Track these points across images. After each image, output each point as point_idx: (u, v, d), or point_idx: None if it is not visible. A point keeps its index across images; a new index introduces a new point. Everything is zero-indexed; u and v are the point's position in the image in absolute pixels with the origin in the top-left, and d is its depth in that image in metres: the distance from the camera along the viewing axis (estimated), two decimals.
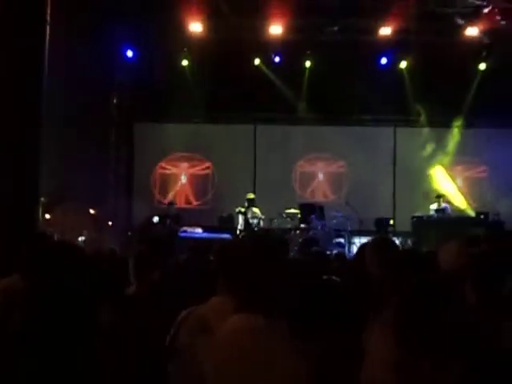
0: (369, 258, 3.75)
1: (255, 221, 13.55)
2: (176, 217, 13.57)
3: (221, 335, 2.43)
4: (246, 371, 2.35)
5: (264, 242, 3.70)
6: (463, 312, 1.58)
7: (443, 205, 13.86)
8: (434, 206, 13.81)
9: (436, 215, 13.60)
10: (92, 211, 13.62)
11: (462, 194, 15.52)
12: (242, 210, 13.67)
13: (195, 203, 16.10)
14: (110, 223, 14.31)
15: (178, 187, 16.22)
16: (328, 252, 11.20)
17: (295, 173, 16.11)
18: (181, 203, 15.70)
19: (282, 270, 3.49)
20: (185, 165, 16.30)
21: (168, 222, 13.29)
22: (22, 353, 2.27)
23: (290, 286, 2.91)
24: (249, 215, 13.60)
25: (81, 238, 12.70)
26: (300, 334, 2.37)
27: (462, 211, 14.92)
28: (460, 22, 14.26)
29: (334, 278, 3.39)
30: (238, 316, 2.52)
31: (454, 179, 15.68)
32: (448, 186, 15.43)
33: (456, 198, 15.24)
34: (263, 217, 13.69)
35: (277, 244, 4.12)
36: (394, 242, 4.47)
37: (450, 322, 1.52)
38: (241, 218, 13.70)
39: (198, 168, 16.23)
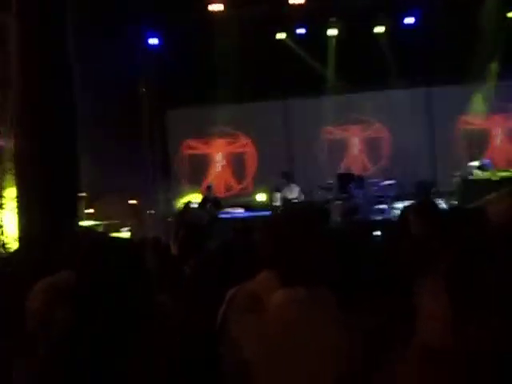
0: (413, 221, 3.68)
1: (294, 195, 13.48)
2: (215, 200, 13.61)
3: (265, 312, 2.41)
4: (288, 344, 2.34)
5: (302, 214, 3.65)
6: (509, 271, 1.52)
7: (484, 160, 13.55)
8: (475, 163, 13.50)
9: (478, 172, 13.29)
10: (132, 201, 13.76)
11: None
12: (279, 186, 13.63)
13: (237, 187, 16.07)
14: (151, 212, 14.44)
15: (215, 169, 16.24)
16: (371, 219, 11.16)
17: (330, 144, 15.94)
18: (220, 188, 15.68)
19: (322, 241, 3.46)
20: (221, 142, 16.31)
21: (208, 205, 13.34)
22: (73, 352, 2.28)
23: (330, 257, 2.88)
24: (286, 191, 13.53)
25: (124, 229, 12.86)
26: (342, 306, 2.35)
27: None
28: None
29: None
30: (279, 291, 2.50)
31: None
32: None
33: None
34: (299, 193, 13.58)
35: (316, 214, 4.08)
36: (435, 203, 4.37)
37: (494, 281, 1.48)
38: (279, 195, 13.62)
39: (235, 146, 16.21)
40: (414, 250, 3.36)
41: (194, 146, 16.28)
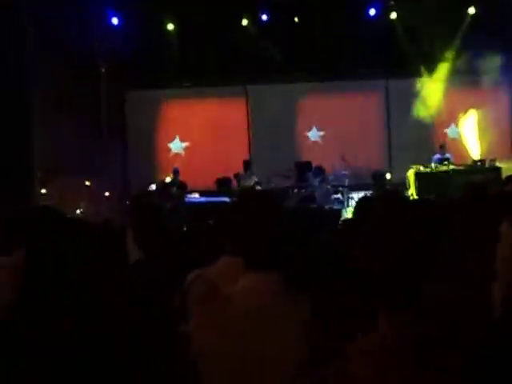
0: (378, 211, 3.69)
1: (251, 182, 13.53)
2: (181, 184, 13.60)
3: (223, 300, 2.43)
4: (251, 331, 2.36)
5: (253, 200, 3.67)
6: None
7: (447, 154, 13.84)
8: (437, 156, 13.78)
9: (435, 166, 13.55)
10: (88, 183, 13.58)
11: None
12: (238, 173, 13.69)
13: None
14: (106, 194, 14.26)
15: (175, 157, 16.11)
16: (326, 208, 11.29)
17: (291, 133, 15.96)
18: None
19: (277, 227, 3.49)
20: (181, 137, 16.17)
21: (174, 188, 13.32)
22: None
23: (287, 242, 2.91)
24: (246, 179, 13.59)
25: (78, 211, 12.70)
26: (301, 292, 2.38)
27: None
28: None
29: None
30: (241, 279, 2.51)
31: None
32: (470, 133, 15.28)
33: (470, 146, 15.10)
34: (256, 179, 13.63)
35: (268, 200, 4.09)
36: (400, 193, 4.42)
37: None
38: (237, 182, 13.71)
39: (195, 140, 16.05)
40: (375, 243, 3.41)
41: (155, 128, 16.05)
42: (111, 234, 5.27)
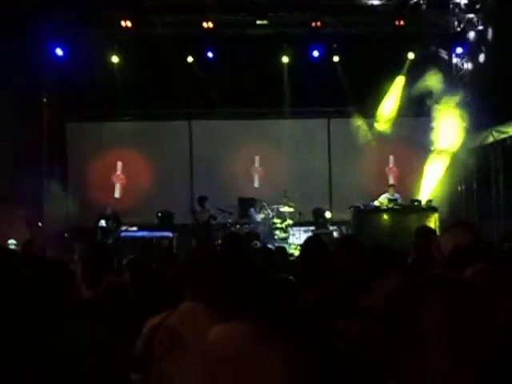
0: (337, 255, 3.79)
1: (206, 217, 13.49)
2: (116, 217, 13.39)
3: (203, 346, 2.43)
4: (223, 380, 2.37)
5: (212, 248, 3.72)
6: None
7: (395, 195, 14.12)
8: (385, 195, 14.03)
9: (375, 205, 13.82)
10: (22, 212, 13.27)
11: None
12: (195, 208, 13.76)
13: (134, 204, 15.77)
14: (39, 224, 13.95)
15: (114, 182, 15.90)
16: (269, 246, 11.35)
17: (233, 168, 16.02)
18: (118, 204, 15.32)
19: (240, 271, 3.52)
20: (119, 162, 16.01)
21: (109, 223, 13.09)
22: None
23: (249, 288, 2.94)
24: (201, 213, 13.57)
25: (11, 241, 12.38)
26: (266, 336, 2.41)
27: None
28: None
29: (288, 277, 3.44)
30: (214, 328, 2.52)
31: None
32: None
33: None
34: (211, 213, 13.63)
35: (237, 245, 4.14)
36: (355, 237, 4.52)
37: None
38: (193, 217, 13.74)
39: (133, 165, 15.94)
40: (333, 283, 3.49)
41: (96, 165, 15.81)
42: (59, 270, 5.14)
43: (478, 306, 1.26)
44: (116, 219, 13.31)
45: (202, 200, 13.80)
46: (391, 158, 16.26)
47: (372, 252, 3.22)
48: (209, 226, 13.36)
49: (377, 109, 15.61)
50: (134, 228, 13.60)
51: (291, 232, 13.93)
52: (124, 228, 13.15)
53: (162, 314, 3.15)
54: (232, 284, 3.00)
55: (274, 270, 5.46)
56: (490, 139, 14.22)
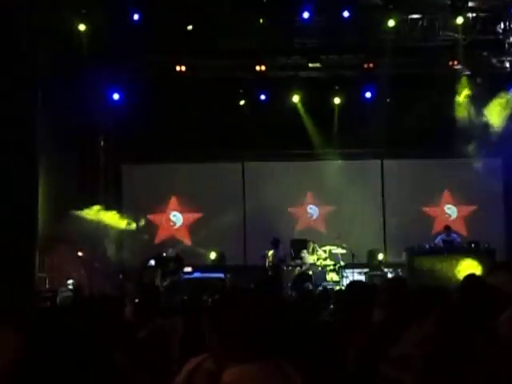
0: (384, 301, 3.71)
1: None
2: (177, 258, 13.51)
3: None
4: None
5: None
6: None
7: (452, 235, 13.87)
8: (442, 237, 13.80)
9: (437, 245, 13.58)
10: (80, 253, 13.52)
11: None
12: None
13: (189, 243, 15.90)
14: (96, 265, 14.16)
15: (171, 230, 16.12)
16: (320, 288, 11.24)
17: (285, 210, 16.04)
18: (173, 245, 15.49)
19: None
20: (173, 203, 16.24)
21: (171, 264, 13.18)
22: None
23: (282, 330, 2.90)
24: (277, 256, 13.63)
25: (70, 281, 12.61)
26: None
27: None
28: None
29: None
30: (230, 369, 2.51)
31: None
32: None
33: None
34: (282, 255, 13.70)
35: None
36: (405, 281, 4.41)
37: None
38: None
39: (190, 213, 16.15)
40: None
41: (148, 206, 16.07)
42: (112, 311, 5.21)
43: None
44: (178, 260, 13.43)
45: (277, 242, 13.83)
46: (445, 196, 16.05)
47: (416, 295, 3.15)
48: (279, 269, 13.33)
49: (432, 149, 15.39)
50: (189, 269, 13.69)
51: (344, 274, 13.76)
52: (187, 270, 13.23)
53: (198, 357, 3.13)
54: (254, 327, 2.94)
55: (317, 312, 5.42)
56: None
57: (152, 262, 13.41)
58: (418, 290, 3.31)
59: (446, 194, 16.02)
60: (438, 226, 15.26)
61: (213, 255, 14.63)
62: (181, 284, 12.29)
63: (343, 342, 3.32)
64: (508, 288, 3.32)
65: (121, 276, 13.47)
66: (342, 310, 4.09)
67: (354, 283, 5.94)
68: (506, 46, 14.72)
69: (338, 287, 12.74)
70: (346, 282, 13.16)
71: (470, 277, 3.61)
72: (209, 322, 2.88)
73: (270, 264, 13.49)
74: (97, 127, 15.06)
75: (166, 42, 13.89)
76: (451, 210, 16.08)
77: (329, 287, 11.41)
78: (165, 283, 12.26)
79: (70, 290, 12.00)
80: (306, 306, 5.81)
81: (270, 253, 13.61)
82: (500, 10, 14.02)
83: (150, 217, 15.89)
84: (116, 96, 14.97)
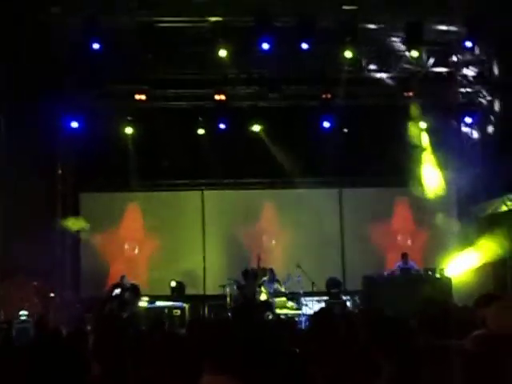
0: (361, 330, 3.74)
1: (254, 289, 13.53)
2: (133, 287, 13.35)
3: None
4: None
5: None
6: None
7: (410, 263, 14.05)
8: (399, 264, 13.97)
9: (394, 273, 13.75)
10: (35, 283, 13.28)
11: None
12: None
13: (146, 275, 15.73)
14: (51, 295, 13.90)
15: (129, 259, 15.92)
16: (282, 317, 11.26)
17: (244, 239, 16.05)
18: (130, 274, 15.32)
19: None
20: (131, 233, 16.07)
21: (126, 294, 13.03)
22: None
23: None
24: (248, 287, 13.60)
25: (22, 312, 12.35)
26: None
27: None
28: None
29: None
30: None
31: None
32: None
33: None
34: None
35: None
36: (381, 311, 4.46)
37: None
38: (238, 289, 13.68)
39: (148, 242, 16.03)
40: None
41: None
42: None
43: None
44: (135, 290, 13.26)
45: (247, 273, 13.84)
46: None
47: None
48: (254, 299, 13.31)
49: (390, 178, 15.64)
50: (146, 298, 13.55)
51: (304, 302, 13.77)
52: (144, 299, 13.09)
53: None
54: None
55: (281, 342, 5.42)
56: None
57: (117, 291, 13.23)
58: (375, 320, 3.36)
59: (403, 221, 16.24)
60: (392, 255, 15.39)
61: (173, 283, 14.49)
62: (140, 314, 12.13)
63: (311, 369, 3.35)
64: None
65: (78, 306, 13.24)
66: (311, 339, 4.11)
67: (321, 311, 5.95)
68: (459, 78, 15.20)
69: (296, 316, 12.82)
70: (306, 310, 13.20)
71: (429, 302, 3.69)
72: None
73: (235, 294, 13.44)
74: (55, 154, 14.89)
75: (125, 70, 13.92)
76: (407, 238, 16.31)
77: (289, 315, 11.44)
78: (124, 314, 12.08)
79: (24, 321, 11.75)
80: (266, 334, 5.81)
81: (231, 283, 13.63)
82: (453, 44, 14.45)
83: (108, 245, 15.69)
84: (75, 124, 14.81)
